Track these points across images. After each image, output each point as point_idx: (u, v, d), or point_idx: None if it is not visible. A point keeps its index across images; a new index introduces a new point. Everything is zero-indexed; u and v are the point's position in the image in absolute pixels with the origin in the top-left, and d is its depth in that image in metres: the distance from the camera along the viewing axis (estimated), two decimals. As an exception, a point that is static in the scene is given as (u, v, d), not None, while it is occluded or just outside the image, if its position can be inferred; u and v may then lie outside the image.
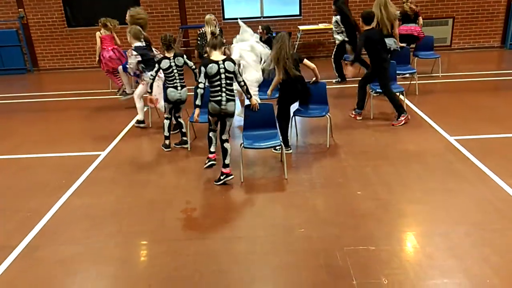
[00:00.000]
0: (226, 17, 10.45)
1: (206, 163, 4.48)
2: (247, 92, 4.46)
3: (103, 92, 8.17)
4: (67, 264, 3.23)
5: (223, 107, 4.19)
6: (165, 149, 5.19)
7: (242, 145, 4.39)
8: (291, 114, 5.07)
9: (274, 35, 5.62)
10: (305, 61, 4.88)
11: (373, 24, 5.62)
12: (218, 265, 3.10)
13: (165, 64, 4.90)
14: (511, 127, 5.32)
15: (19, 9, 10.24)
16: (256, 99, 4.62)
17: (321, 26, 9.84)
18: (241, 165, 4.38)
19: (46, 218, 3.84)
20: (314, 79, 5.18)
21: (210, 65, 4.14)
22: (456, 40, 10.36)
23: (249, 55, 5.56)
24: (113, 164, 4.93)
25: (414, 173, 4.31)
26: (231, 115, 4.31)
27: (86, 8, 10.25)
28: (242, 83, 4.37)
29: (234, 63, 4.29)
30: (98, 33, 7.24)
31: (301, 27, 9.63)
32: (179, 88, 4.99)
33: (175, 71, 4.95)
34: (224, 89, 4.18)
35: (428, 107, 6.20)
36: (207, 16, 6.45)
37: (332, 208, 3.77)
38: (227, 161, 4.27)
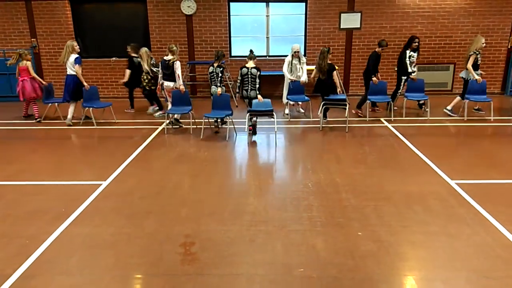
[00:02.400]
0: (233, 54, 10.76)
1: (249, 133, 7.24)
2: (259, 90, 7.16)
3: (108, 122, 8.29)
4: (61, 295, 3.18)
5: (249, 93, 7.21)
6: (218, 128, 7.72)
7: (248, 113, 7.10)
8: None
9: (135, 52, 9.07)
10: (334, 73, 7.62)
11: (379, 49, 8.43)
12: (215, 302, 3.05)
13: (211, 69, 7.42)
14: (511, 173, 5.34)
15: (32, 39, 10.57)
16: (260, 97, 7.15)
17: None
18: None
19: (44, 246, 3.81)
20: (339, 90, 7.77)
21: (243, 68, 7.18)
22: (457, 85, 10.57)
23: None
24: (114, 194, 4.94)
25: (415, 215, 4.30)
26: (255, 97, 7.17)
27: (98, 40, 10.56)
28: (258, 85, 7.14)
29: (258, 70, 7.12)
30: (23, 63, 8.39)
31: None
32: (217, 86, 7.36)
33: (215, 75, 7.37)
34: (250, 84, 7.15)
35: (429, 149, 6.26)
36: (143, 50, 8.47)
37: (332, 248, 3.74)
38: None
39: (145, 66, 8.46)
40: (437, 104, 8.92)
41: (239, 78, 7.20)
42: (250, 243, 3.86)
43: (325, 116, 7.85)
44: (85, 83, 8.09)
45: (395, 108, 8.79)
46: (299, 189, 5.01)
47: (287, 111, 8.78)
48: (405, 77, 8.53)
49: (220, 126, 7.73)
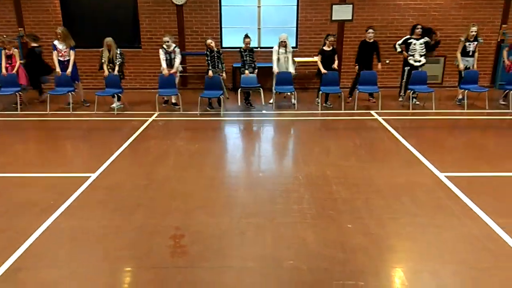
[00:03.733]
0: (224, 45, 10.67)
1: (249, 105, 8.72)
2: (254, 68, 8.69)
3: (97, 114, 8.20)
4: (50, 288, 3.15)
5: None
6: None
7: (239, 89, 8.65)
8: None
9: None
10: (335, 56, 8.74)
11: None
12: (205, 295, 3.05)
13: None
14: (499, 166, 5.40)
15: (19, 28, 10.36)
16: (247, 72, 8.52)
17: (315, 58, 10.05)
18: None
19: (32, 239, 3.76)
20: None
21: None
22: (447, 78, 10.63)
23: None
24: (103, 186, 4.89)
25: (404, 208, 4.33)
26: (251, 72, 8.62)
27: (87, 29, 10.38)
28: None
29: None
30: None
31: (296, 59, 9.82)
32: (212, 69, 8.35)
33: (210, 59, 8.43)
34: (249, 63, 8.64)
35: (418, 142, 6.30)
36: (108, 39, 8.44)
37: (322, 240, 3.75)
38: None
39: (110, 56, 8.46)
40: (428, 98, 8.95)
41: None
42: (240, 235, 3.86)
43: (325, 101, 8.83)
44: (57, 69, 8.60)
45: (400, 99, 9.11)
46: (289, 182, 5.01)
47: (271, 100, 8.98)
48: (408, 68, 8.69)
49: (213, 107, 8.54)
